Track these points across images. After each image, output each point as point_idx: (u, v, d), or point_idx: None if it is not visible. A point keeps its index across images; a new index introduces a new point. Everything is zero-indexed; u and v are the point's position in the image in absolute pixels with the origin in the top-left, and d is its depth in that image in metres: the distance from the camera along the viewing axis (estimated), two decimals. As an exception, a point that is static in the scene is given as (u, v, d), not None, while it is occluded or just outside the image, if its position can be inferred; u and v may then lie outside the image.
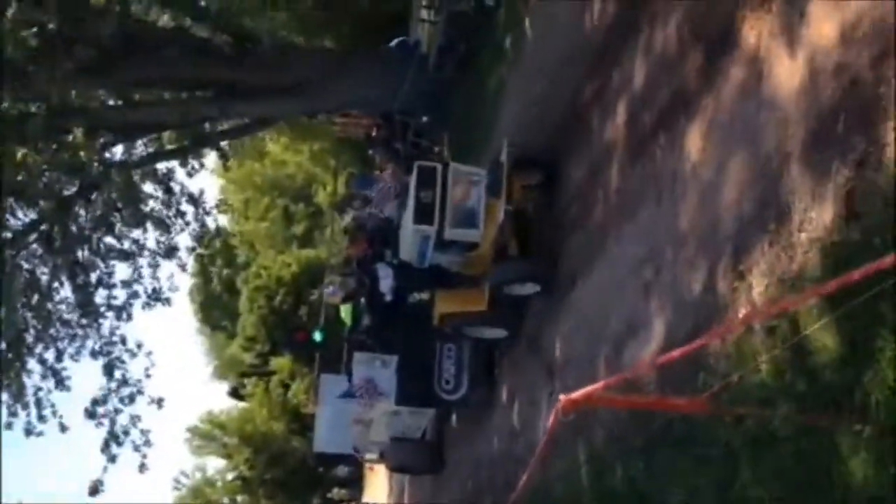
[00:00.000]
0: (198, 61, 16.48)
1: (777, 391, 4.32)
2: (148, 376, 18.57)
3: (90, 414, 17.73)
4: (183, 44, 16.59)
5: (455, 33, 16.65)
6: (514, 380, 10.10)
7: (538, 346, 9.09)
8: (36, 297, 17.82)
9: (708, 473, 4.96)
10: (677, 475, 5.35)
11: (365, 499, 28.34)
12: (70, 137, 16.90)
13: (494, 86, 13.48)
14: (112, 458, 17.59)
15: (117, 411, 17.68)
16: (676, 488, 5.33)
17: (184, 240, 19.23)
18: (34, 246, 18.03)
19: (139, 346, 18.57)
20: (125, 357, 18.19)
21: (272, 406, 38.43)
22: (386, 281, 10.35)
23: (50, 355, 17.97)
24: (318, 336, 17.72)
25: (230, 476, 43.05)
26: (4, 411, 17.54)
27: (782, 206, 4.45)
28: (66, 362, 18.09)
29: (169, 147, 18.82)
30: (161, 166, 18.94)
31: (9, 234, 16.92)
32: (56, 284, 18.25)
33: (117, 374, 17.89)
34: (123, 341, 18.40)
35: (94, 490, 17.82)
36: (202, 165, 19.00)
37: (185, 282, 43.36)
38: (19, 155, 16.16)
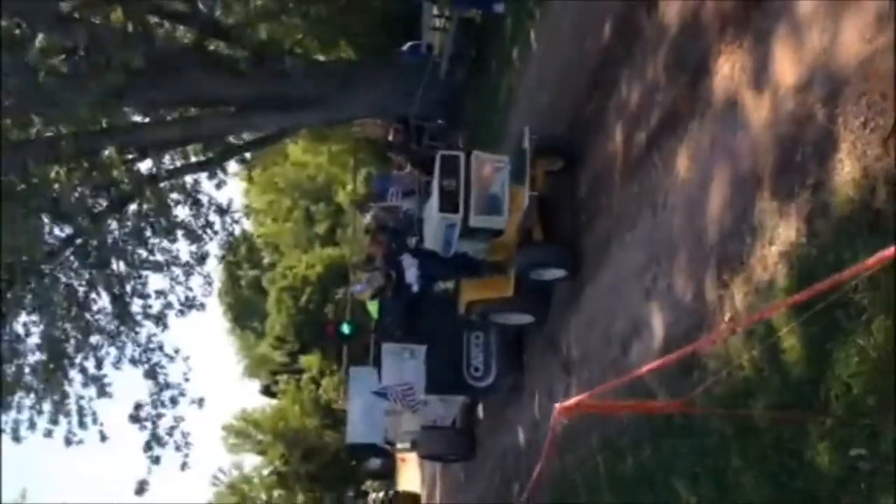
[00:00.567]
0: (219, 79, 17.14)
1: (757, 386, 4.91)
2: (186, 380, 19.47)
3: (134, 418, 18.61)
4: (203, 62, 17.27)
5: (465, 40, 17.22)
6: (534, 374, 10.67)
7: (556, 342, 9.65)
8: (74, 308, 18.68)
9: (706, 461, 5.56)
10: (680, 462, 5.95)
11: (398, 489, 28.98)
12: (101, 155, 17.73)
13: (505, 90, 14.06)
14: (156, 460, 18.44)
15: (159, 415, 18.57)
16: (680, 475, 5.93)
17: (213, 248, 20.08)
18: (71, 259, 18.87)
19: (177, 351, 19.44)
20: (164, 363, 19.11)
21: (304, 403, 39.24)
22: (411, 271, 10.50)
23: (90, 364, 18.86)
24: (346, 329, 17.89)
25: (266, 472, 44.02)
26: (45, 420, 18.42)
27: (756, 223, 5.03)
28: (107, 370, 18.92)
29: (195, 160, 19.57)
30: (188, 178, 19.77)
31: (46, 249, 17.72)
32: (93, 295, 19.12)
33: (158, 379, 18.78)
34: (161, 348, 19.29)
35: (140, 489, 18.70)
36: (227, 176, 19.70)
37: (215, 284, 44.12)
38: (53, 174, 17.04)
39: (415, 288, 10.57)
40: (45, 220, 17.49)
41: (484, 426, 13.60)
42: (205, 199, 19.61)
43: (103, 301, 18.90)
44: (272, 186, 43.24)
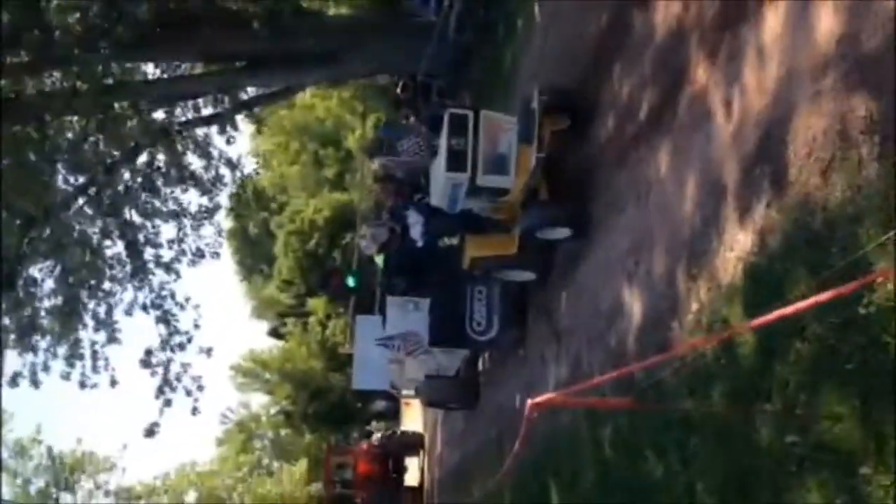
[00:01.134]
0: (229, 35, 17.48)
1: (716, 374, 5.52)
2: (197, 327, 20.21)
3: (145, 363, 19.36)
4: (215, 19, 17.59)
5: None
6: (530, 337, 11.23)
7: (549, 311, 10.22)
8: (88, 255, 19.31)
9: (671, 434, 6.20)
10: (649, 433, 6.59)
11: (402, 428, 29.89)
12: (114, 108, 18.17)
13: (510, 57, 14.42)
14: (167, 403, 19.24)
15: (169, 360, 19.30)
16: (648, 446, 6.58)
17: (223, 201, 20.62)
18: (84, 208, 19.47)
19: (187, 299, 20.12)
20: (175, 310, 19.81)
21: (310, 345, 40.11)
22: (416, 227, 10.73)
23: (102, 310, 19.57)
24: (351, 282, 18.02)
25: (273, 411, 45.31)
26: (62, 363, 19.19)
27: (720, 227, 5.58)
28: (118, 316, 19.61)
29: (206, 113, 20.01)
30: (199, 132, 20.25)
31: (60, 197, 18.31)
32: (107, 242, 19.76)
33: (168, 326, 19.50)
34: (173, 296, 19.97)
35: (151, 432, 19.51)
36: (237, 132, 20.10)
37: (224, 231, 44.59)
38: (67, 124, 17.55)
39: (419, 243, 10.81)
40: (60, 168, 18.09)
41: (485, 379, 14.12)
42: (215, 153, 20.11)
43: (117, 247, 19.56)
44: (280, 128, 43.33)
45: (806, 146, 4.57)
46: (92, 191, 18.94)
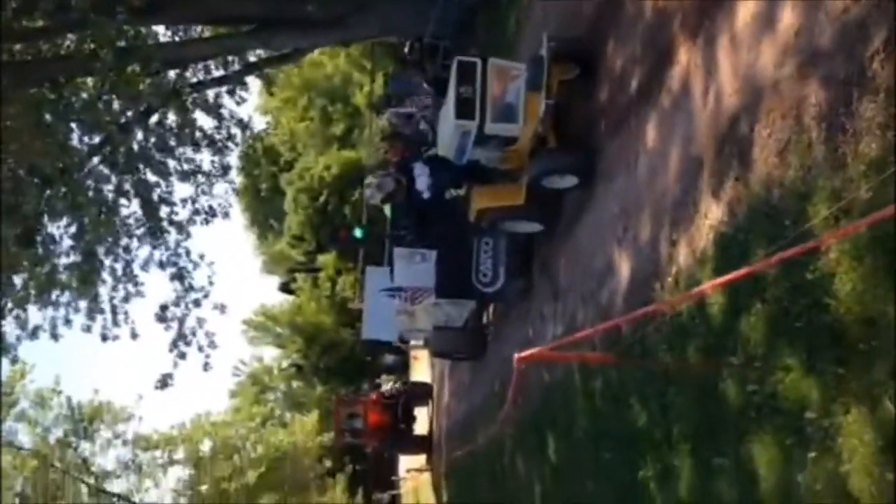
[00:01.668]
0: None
1: (692, 331, 6.09)
2: (211, 283, 20.83)
3: (160, 318, 20.03)
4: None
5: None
6: (532, 293, 11.75)
7: (549, 269, 10.76)
8: (104, 213, 19.89)
9: (652, 387, 6.79)
10: (635, 385, 7.19)
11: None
12: (127, 70, 18.59)
13: (513, 21, 14.78)
14: (182, 356, 19.92)
15: (185, 315, 19.95)
16: (633, 394, 7.18)
17: (234, 161, 21.08)
18: (99, 167, 20.01)
19: (201, 256, 20.72)
20: (189, 268, 20.42)
21: (320, 300, 40.85)
22: (422, 178, 10.80)
23: (119, 266, 20.20)
24: (358, 233, 18.14)
25: (285, 364, 46.27)
26: (83, 317, 19.90)
27: (698, 198, 6.10)
28: (136, 272, 20.24)
29: (217, 75, 20.42)
30: (210, 92, 20.67)
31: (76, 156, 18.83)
32: (123, 200, 20.32)
33: (183, 282, 20.12)
34: (188, 254, 20.57)
35: (164, 384, 20.20)
36: (247, 93, 20.52)
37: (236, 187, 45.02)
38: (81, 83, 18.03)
39: (426, 195, 10.93)
40: (75, 128, 18.59)
41: (491, 330, 14.54)
42: (226, 113, 20.54)
43: (133, 206, 20.12)
44: (288, 84, 43.48)
45: (767, 128, 5.07)
46: (106, 150, 19.45)
